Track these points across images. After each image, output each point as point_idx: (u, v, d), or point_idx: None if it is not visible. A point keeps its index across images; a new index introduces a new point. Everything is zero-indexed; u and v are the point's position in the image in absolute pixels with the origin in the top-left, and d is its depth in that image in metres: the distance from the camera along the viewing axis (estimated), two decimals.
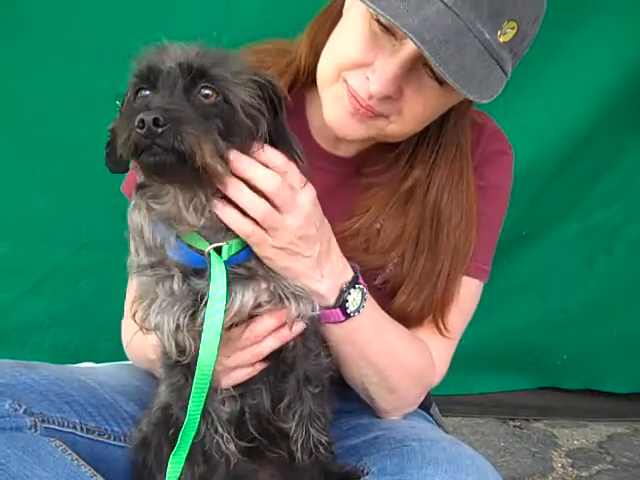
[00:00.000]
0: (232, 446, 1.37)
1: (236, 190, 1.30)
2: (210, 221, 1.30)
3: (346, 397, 1.65)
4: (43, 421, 1.52)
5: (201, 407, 1.33)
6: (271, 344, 1.40)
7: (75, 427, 1.58)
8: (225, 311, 1.29)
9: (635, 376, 3.13)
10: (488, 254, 1.78)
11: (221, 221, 1.31)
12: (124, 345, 1.82)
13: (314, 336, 1.44)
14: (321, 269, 1.43)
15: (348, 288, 1.47)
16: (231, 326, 1.36)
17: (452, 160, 1.65)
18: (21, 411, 1.49)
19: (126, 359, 1.87)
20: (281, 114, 1.32)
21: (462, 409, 3.02)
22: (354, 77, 1.48)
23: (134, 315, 1.36)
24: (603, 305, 3.03)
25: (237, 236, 1.32)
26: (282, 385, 1.44)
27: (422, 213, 1.64)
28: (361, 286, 1.49)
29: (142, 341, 1.53)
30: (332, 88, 1.53)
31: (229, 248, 1.32)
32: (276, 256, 1.35)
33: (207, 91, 1.23)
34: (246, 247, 1.34)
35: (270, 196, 1.32)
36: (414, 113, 1.51)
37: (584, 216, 2.99)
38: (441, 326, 1.69)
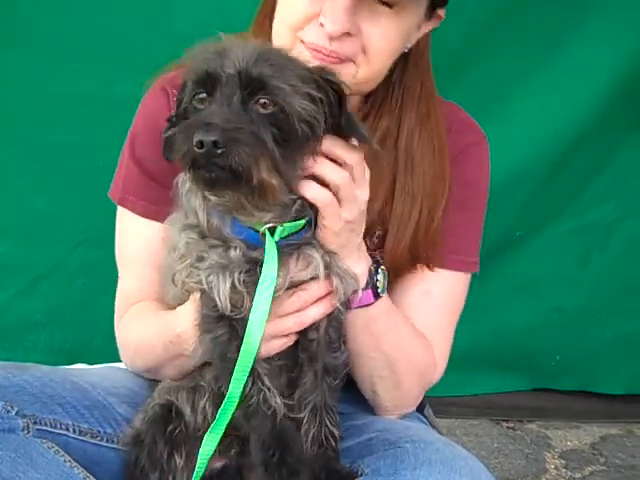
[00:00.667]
0: (279, 400, 1.38)
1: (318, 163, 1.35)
2: (273, 212, 1.34)
3: (340, 399, 1.65)
4: (35, 423, 1.51)
5: (242, 385, 1.35)
6: (314, 314, 1.43)
7: (68, 429, 1.57)
8: (274, 292, 1.34)
9: (629, 377, 3.14)
10: (474, 247, 1.81)
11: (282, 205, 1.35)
12: (123, 347, 1.79)
13: (337, 324, 1.48)
14: (360, 251, 1.48)
15: (376, 269, 1.53)
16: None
17: (418, 100, 1.70)
18: (13, 413, 1.48)
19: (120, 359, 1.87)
20: (345, 107, 1.33)
21: (456, 410, 3.02)
22: (309, 31, 1.52)
23: (175, 274, 1.42)
24: (597, 305, 3.05)
25: (291, 220, 1.36)
26: (300, 375, 1.47)
27: (396, 159, 1.68)
28: (383, 267, 1.55)
29: (161, 326, 1.58)
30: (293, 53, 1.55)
31: (282, 230, 1.35)
32: (341, 231, 1.40)
33: (265, 101, 1.26)
34: (300, 230, 1.38)
35: (348, 170, 1.38)
36: (377, 47, 1.55)
37: (578, 216, 3.01)
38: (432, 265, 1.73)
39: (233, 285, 1.35)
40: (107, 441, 1.63)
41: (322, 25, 1.50)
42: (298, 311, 1.43)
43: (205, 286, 1.36)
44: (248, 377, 1.36)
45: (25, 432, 1.48)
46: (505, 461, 2.79)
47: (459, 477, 1.37)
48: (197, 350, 1.46)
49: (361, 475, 1.44)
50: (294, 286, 1.41)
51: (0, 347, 2.86)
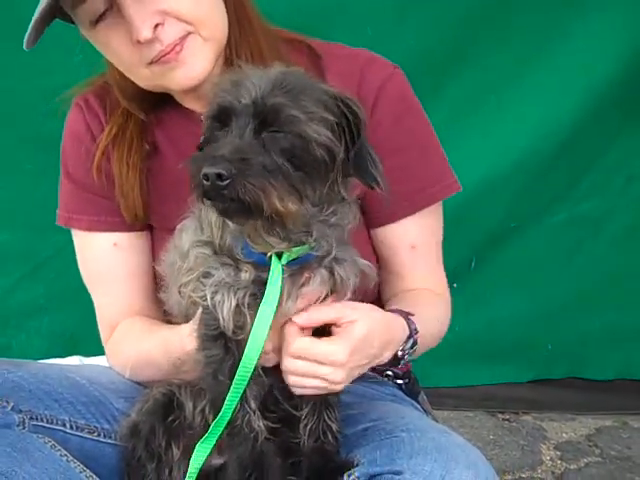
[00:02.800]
0: (261, 423, 1.39)
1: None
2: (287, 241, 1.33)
3: None
4: (32, 418, 1.52)
5: (238, 400, 1.36)
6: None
7: (64, 424, 1.57)
8: (274, 314, 1.34)
9: (617, 363, 3.18)
10: (440, 172, 1.77)
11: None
12: (120, 367, 1.78)
13: None
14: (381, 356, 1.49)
15: (403, 353, 1.55)
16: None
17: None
18: (9, 408, 1.49)
19: None
20: (360, 137, 1.31)
21: (451, 402, 3.03)
22: (143, 54, 1.56)
23: (181, 286, 1.43)
24: (587, 295, 3.09)
25: (298, 245, 1.35)
26: None
27: None
28: (416, 346, 1.57)
29: (164, 346, 1.61)
30: (156, 76, 1.60)
31: (288, 256, 1.35)
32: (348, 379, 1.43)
33: (279, 130, 1.25)
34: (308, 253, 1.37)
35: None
36: (191, 10, 1.56)
37: (570, 208, 3.05)
38: None
39: (237, 306, 1.35)
40: (104, 436, 1.63)
41: (140, 42, 1.54)
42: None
43: (209, 303, 1.36)
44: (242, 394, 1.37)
45: (21, 427, 1.49)
46: (501, 452, 2.79)
47: (455, 464, 1.37)
48: None
49: (357, 465, 1.43)
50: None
51: (2, 333, 2.95)
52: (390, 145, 1.67)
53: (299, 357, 1.40)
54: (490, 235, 3.05)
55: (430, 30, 2.81)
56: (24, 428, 1.49)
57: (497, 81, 2.89)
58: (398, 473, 1.37)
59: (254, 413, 1.39)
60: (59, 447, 1.50)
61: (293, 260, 1.36)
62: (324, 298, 1.41)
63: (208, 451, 1.40)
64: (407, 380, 1.90)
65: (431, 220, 1.78)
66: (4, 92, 2.73)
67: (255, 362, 1.35)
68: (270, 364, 1.44)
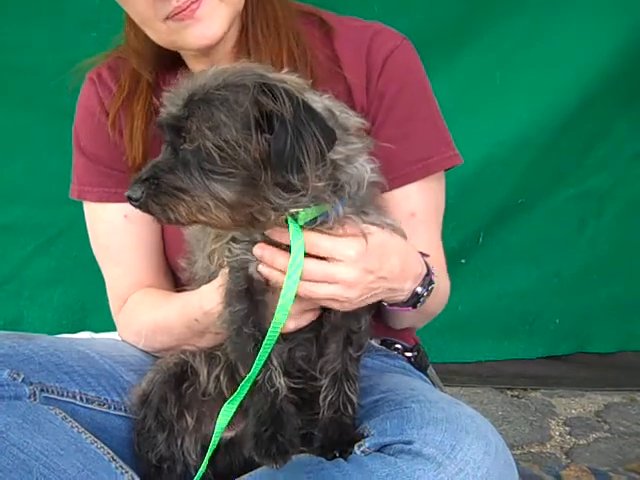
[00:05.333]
0: (282, 380, 1.40)
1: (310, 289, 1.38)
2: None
3: None
4: (42, 390, 1.52)
5: (264, 360, 1.36)
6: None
7: (75, 397, 1.58)
8: (300, 276, 1.36)
9: (622, 335, 3.20)
10: (446, 140, 1.77)
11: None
12: (133, 335, 1.79)
13: None
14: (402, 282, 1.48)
15: (422, 290, 1.53)
16: None
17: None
18: (20, 380, 1.49)
19: None
20: (276, 129, 1.26)
21: (459, 379, 3.03)
22: (158, 8, 1.56)
23: (210, 253, 1.48)
24: (593, 269, 3.11)
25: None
26: (324, 344, 1.48)
27: None
28: (434, 284, 1.54)
29: (182, 306, 1.62)
30: (171, 32, 1.59)
31: (305, 215, 1.34)
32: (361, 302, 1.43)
33: (186, 141, 1.28)
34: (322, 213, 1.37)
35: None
36: None
37: (576, 183, 3.06)
38: None
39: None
40: (114, 409, 1.64)
41: None
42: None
43: (239, 263, 1.40)
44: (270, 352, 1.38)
45: (32, 399, 1.49)
46: (510, 428, 2.79)
47: (465, 434, 1.37)
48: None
49: (367, 436, 1.44)
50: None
51: (15, 305, 3.00)
52: (394, 114, 1.69)
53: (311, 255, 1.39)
54: (498, 211, 3.06)
55: (438, 4, 2.80)
56: (35, 400, 1.50)
57: (505, 55, 2.90)
58: (409, 443, 1.37)
59: (275, 369, 1.39)
60: (70, 419, 1.51)
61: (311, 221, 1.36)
62: None
63: (232, 412, 1.40)
64: (416, 353, 1.91)
65: (431, 191, 1.76)
66: (19, 68, 2.77)
67: (284, 321, 1.36)
68: (285, 330, 1.43)
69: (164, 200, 1.27)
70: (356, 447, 1.42)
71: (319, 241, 1.37)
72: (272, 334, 1.36)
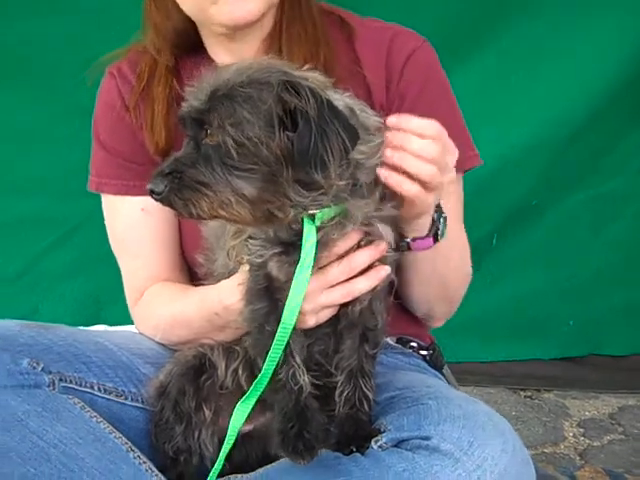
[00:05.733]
0: (306, 378, 1.41)
1: (402, 158, 1.35)
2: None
3: None
4: (61, 380, 1.53)
5: (278, 358, 1.37)
6: (362, 286, 1.43)
7: (93, 387, 1.59)
8: (309, 277, 1.35)
9: (635, 338, 3.18)
10: (466, 141, 1.77)
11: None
12: (150, 328, 1.79)
13: (381, 297, 1.48)
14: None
15: (438, 217, 1.52)
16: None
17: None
18: (39, 369, 1.50)
19: None
20: (300, 127, 1.25)
21: (473, 379, 3.02)
22: None
23: (229, 249, 1.48)
24: (608, 272, 3.10)
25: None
26: (340, 340, 1.48)
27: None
28: (444, 214, 1.53)
29: (202, 300, 1.62)
30: (204, 2, 1.60)
31: (322, 215, 1.34)
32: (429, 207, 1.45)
33: (207, 136, 1.28)
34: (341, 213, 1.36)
35: (433, 163, 1.37)
36: None
37: (593, 186, 3.05)
38: None
39: (283, 261, 1.39)
40: (132, 400, 1.65)
41: None
42: (346, 281, 1.42)
43: (257, 260, 1.39)
44: (282, 353, 1.38)
45: (51, 388, 1.50)
46: (523, 428, 2.78)
47: (483, 431, 1.37)
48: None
49: (384, 432, 1.44)
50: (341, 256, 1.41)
51: (31, 297, 3.01)
52: (415, 114, 1.68)
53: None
54: (512, 212, 3.05)
55: (454, 6, 2.80)
56: (54, 389, 1.51)
57: (522, 57, 2.89)
58: (426, 438, 1.37)
59: (299, 367, 1.40)
60: (88, 408, 1.52)
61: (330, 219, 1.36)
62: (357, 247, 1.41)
63: (249, 410, 1.40)
64: (432, 352, 1.91)
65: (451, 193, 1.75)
66: (39, 63, 2.80)
67: (294, 319, 1.36)
68: (306, 325, 1.44)
69: (187, 194, 1.27)
70: (373, 442, 1.42)
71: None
72: (282, 335, 1.36)
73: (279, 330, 1.36)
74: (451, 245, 1.61)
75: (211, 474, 1.44)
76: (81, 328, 1.84)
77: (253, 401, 1.40)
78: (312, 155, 1.23)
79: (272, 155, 1.25)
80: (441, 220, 1.52)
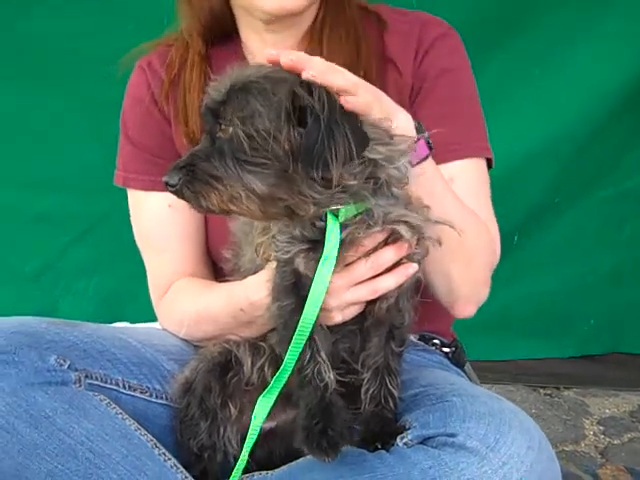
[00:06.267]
0: (332, 375, 1.40)
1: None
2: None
3: None
4: (87, 377, 1.54)
5: (298, 353, 1.36)
6: (388, 283, 1.42)
7: (118, 384, 1.60)
8: (332, 272, 1.34)
9: None
10: (481, 133, 1.76)
11: None
12: (175, 323, 1.79)
13: (408, 295, 1.47)
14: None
15: (419, 126, 1.48)
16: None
17: None
18: (66, 366, 1.51)
19: None
20: (309, 124, 1.24)
21: (492, 377, 3.01)
22: None
23: (257, 246, 1.48)
24: (629, 270, 3.09)
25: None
26: (366, 338, 1.48)
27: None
28: (422, 123, 1.50)
29: (228, 296, 1.62)
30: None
31: (345, 212, 1.34)
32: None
33: (221, 129, 1.29)
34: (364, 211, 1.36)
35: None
36: None
37: (615, 183, 3.03)
38: None
39: (311, 258, 1.38)
40: (156, 397, 1.65)
41: None
42: (372, 278, 1.42)
43: (285, 256, 1.39)
44: (307, 349, 1.38)
45: (77, 385, 1.51)
46: (544, 426, 2.75)
47: (509, 429, 1.37)
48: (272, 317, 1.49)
49: (409, 429, 1.43)
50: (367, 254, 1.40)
51: (50, 294, 3.04)
52: (433, 96, 1.70)
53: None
54: (533, 210, 3.04)
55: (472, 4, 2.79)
56: (80, 386, 1.51)
57: (543, 52, 2.88)
58: (452, 435, 1.37)
59: (324, 363, 1.39)
60: (114, 405, 1.52)
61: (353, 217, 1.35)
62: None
63: (270, 404, 1.40)
64: (454, 349, 1.91)
65: (472, 170, 1.74)
66: (55, 58, 2.81)
67: (315, 316, 1.35)
68: (332, 322, 1.44)
69: (198, 187, 1.28)
70: (398, 439, 1.42)
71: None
72: (302, 330, 1.36)
73: (300, 324, 1.36)
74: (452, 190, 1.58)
75: (235, 470, 1.44)
76: (104, 325, 1.84)
77: (275, 395, 1.40)
78: (316, 154, 1.23)
79: (281, 150, 1.25)
80: (422, 126, 1.48)
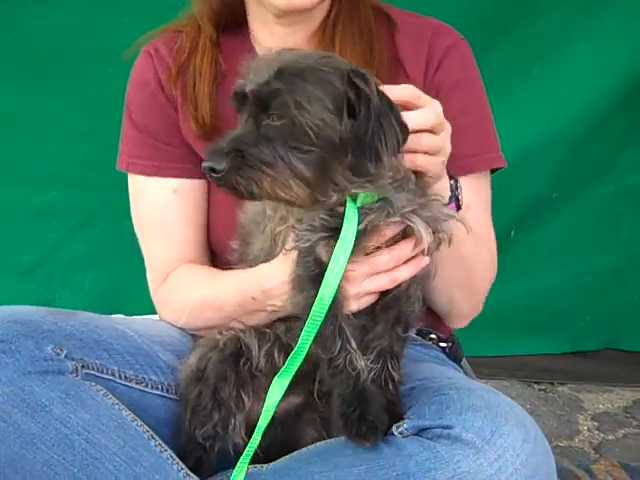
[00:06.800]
0: (362, 362, 1.41)
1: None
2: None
3: None
4: (83, 367, 1.53)
5: (312, 337, 1.37)
6: (405, 273, 1.44)
7: (114, 374, 1.59)
8: (349, 256, 1.35)
9: None
10: (493, 142, 1.80)
11: None
12: (175, 311, 1.79)
13: (418, 283, 1.49)
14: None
15: (455, 185, 1.54)
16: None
17: None
18: (62, 355, 1.50)
19: None
20: (362, 112, 1.26)
21: (487, 372, 3.02)
22: None
23: (276, 235, 1.49)
24: (626, 267, 3.10)
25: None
26: (373, 322, 1.48)
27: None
28: (459, 180, 1.56)
29: (238, 284, 1.61)
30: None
31: (364, 197, 1.35)
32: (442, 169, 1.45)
33: (274, 116, 1.27)
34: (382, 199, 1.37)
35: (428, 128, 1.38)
36: None
37: (613, 180, 3.04)
38: None
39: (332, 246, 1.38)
40: (152, 387, 1.65)
41: None
42: (391, 270, 1.43)
43: (306, 245, 1.39)
44: (337, 339, 1.39)
45: (74, 375, 1.50)
46: (538, 421, 2.65)
47: (505, 421, 1.37)
48: (288, 306, 1.49)
49: (405, 419, 1.43)
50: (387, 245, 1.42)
51: (47, 287, 3.04)
52: (446, 108, 1.67)
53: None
54: (530, 205, 3.06)
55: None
56: (77, 376, 1.50)
57: (541, 49, 2.89)
58: (448, 427, 1.37)
59: (355, 352, 1.40)
60: (110, 395, 1.51)
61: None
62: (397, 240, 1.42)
63: (286, 385, 1.40)
64: (451, 344, 1.91)
65: (477, 187, 1.76)
66: (51, 53, 2.80)
67: (331, 295, 1.36)
68: (347, 310, 1.43)
69: (250, 173, 1.25)
70: (394, 427, 1.42)
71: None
72: (316, 313, 1.36)
73: (315, 305, 1.36)
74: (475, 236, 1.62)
75: (244, 455, 1.43)
76: (101, 315, 1.83)
77: (289, 377, 1.40)
78: (369, 144, 1.25)
79: (335, 137, 1.26)
80: (458, 187, 1.55)
